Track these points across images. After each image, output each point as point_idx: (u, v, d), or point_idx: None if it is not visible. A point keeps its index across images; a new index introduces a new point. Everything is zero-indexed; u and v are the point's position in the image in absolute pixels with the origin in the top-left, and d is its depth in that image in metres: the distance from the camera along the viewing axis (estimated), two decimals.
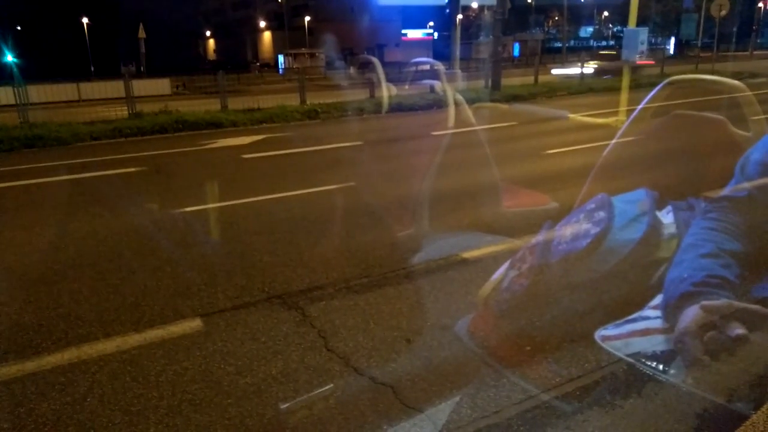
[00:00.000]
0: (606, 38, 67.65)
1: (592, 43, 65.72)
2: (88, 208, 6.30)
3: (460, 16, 46.33)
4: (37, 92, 16.31)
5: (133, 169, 8.33)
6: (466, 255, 4.53)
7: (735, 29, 45.09)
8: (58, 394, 2.83)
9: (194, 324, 3.50)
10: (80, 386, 2.88)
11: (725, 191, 3.61)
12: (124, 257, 4.74)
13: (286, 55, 45.66)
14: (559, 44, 55.27)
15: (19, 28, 45.65)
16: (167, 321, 3.56)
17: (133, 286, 4.12)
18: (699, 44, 44.75)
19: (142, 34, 27.74)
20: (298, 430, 2.54)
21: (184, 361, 3.09)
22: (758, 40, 47.17)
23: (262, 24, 60.82)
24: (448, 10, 57.80)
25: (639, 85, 16.47)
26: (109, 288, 4.09)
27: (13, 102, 12.58)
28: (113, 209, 6.25)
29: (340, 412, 2.65)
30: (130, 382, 2.91)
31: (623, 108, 12.82)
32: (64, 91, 20.28)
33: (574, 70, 24.43)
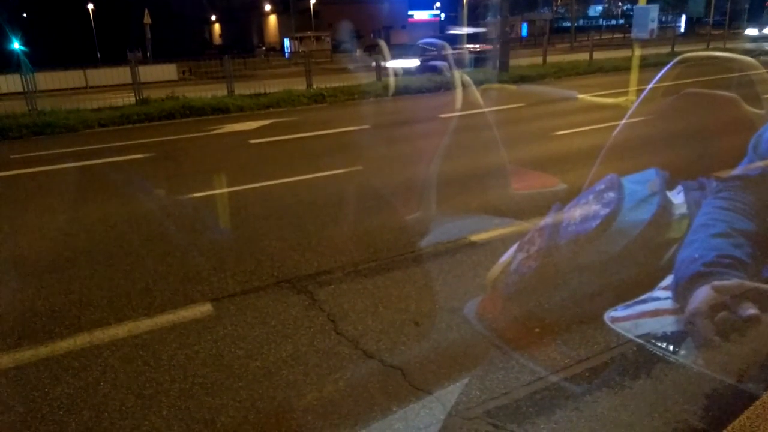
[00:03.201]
0: (615, 17, 66.60)
1: (601, 22, 64.74)
2: (97, 194, 6.33)
3: None
4: (45, 79, 16.32)
5: (141, 156, 8.35)
6: (475, 238, 4.52)
7: (747, 6, 44.22)
8: (71, 378, 2.87)
9: (204, 308, 3.53)
10: (93, 370, 2.92)
11: (737, 170, 3.57)
12: (134, 243, 4.77)
13: (291, 39, 45.36)
14: (568, 24, 54.46)
15: (24, 15, 45.60)
16: (178, 306, 3.59)
17: (143, 271, 4.15)
18: (710, 22, 43.95)
19: (147, 19, 27.66)
20: (308, 412, 2.56)
21: (195, 345, 3.12)
22: None
23: (268, 8, 60.34)
24: None
25: (649, 64, 16.25)
26: (119, 274, 4.12)
27: (21, 90, 12.61)
28: (122, 195, 6.29)
29: (350, 394, 2.66)
30: (142, 366, 2.94)
31: (633, 87, 12.65)
32: (71, 77, 20.29)
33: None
